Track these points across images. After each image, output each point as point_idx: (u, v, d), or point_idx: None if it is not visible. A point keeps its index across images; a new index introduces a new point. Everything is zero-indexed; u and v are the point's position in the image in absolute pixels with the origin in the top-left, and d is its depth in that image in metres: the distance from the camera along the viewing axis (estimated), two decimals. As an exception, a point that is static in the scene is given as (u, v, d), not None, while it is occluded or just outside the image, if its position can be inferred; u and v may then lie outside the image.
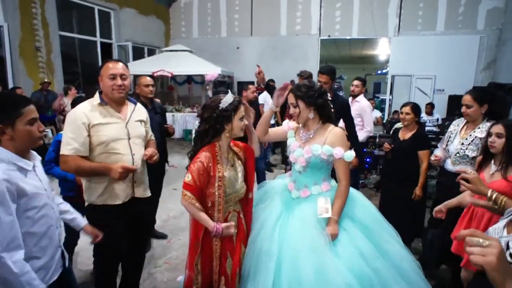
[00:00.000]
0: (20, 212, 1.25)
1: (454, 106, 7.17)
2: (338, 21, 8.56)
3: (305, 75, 3.77)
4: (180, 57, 7.44)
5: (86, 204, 1.95)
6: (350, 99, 3.89)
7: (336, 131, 1.82)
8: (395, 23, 8.21)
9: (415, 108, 2.93)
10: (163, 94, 8.89)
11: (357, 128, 3.35)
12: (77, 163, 1.79)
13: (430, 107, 6.65)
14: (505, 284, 0.73)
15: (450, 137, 2.46)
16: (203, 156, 1.62)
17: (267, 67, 8.64)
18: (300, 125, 1.92)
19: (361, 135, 3.65)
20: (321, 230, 1.69)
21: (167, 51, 7.98)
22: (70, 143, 1.79)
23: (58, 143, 2.00)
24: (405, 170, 2.88)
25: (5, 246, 1.19)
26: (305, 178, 1.87)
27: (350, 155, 1.76)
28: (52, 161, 2.32)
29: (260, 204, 1.97)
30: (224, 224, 1.61)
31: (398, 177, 3.00)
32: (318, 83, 2.06)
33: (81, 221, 1.72)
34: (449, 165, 2.44)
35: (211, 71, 6.98)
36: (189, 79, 8.74)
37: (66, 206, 1.69)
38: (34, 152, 1.42)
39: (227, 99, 1.65)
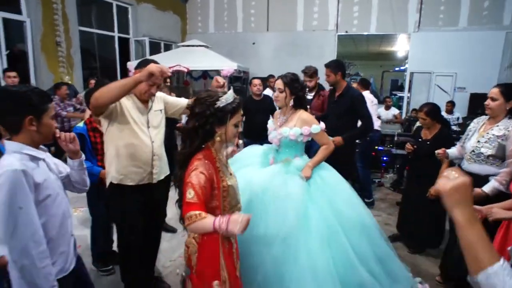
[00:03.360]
0: (38, 202, 1.27)
1: (476, 104, 6.94)
2: (356, 16, 8.40)
3: (310, 72, 3.81)
4: (196, 52, 7.46)
5: (107, 184, 2.10)
6: None
7: (302, 115, 2.20)
8: (415, 19, 7.98)
9: (430, 113, 2.87)
10: (179, 89, 8.96)
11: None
12: (105, 89, 1.75)
13: (451, 105, 6.46)
14: (452, 211, 0.82)
15: (468, 134, 2.38)
16: (201, 165, 1.34)
17: (283, 63, 8.67)
18: (280, 111, 2.33)
19: None
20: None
21: (183, 46, 8.01)
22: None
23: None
24: (427, 171, 2.81)
25: (30, 237, 1.21)
26: (281, 155, 2.25)
27: (315, 127, 2.15)
28: None
29: (241, 162, 2.24)
30: (233, 217, 1.20)
31: (419, 178, 2.94)
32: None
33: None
34: (465, 164, 2.35)
35: (227, 66, 6.97)
36: (205, 74, 8.76)
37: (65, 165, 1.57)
38: (42, 146, 1.44)
39: (227, 97, 1.39)
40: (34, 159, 1.31)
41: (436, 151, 2.55)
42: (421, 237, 3.05)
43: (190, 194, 1.27)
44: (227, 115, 1.40)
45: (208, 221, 1.22)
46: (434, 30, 7.86)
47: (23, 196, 1.20)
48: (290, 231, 1.82)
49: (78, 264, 1.51)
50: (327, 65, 3.23)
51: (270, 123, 2.37)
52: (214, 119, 1.39)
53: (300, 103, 2.23)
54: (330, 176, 2.21)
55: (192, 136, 1.41)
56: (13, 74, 4.13)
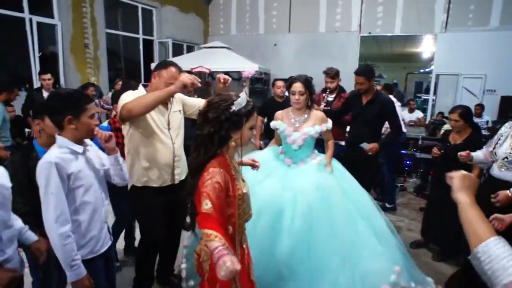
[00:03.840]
0: (71, 189, 1.47)
1: (507, 108, 6.64)
2: (380, 17, 8.23)
3: (332, 73, 3.76)
4: (218, 54, 7.54)
5: (129, 186, 2.10)
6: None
7: (318, 113, 2.45)
8: (442, 19, 7.73)
9: (464, 115, 2.75)
10: (201, 90, 9.08)
11: None
12: (138, 100, 1.83)
13: (480, 108, 6.21)
14: (459, 192, 1.01)
15: (499, 139, 2.27)
16: (216, 173, 1.30)
17: (304, 65, 8.61)
18: (290, 112, 2.46)
19: None
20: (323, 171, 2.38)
21: (205, 47, 8.11)
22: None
23: None
24: None
25: (57, 218, 1.40)
26: (300, 154, 2.43)
27: (329, 125, 2.44)
28: None
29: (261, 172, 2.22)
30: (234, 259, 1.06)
31: (445, 183, 2.84)
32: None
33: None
34: (495, 170, 2.24)
35: (249, 68, 7.01)
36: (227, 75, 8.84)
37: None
38: (87, 140, 1.63)
39: (241, 101, 1.35)
40: (74, 152, 1.51)
41: (459, 153, 2.45)
42: (446, 243, 2.94)
43: (207, 205, 1.23)
44: (242, 119, 1.36)
45: (213, 245, 1.12)
46: (463, 30, 7.57)
47: (54, 184, 1.40)
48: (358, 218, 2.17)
49: (110, 248, 1.71)
50: (359, 73, 3.05)
51: (282, 125, 2.46)
52: (230, 124, 1.34)
53: (311, 103, 2.46)
54: (341, 167, 2.49)
55: (206, 143, 1.36)
56: (47, 76, 4.36)
